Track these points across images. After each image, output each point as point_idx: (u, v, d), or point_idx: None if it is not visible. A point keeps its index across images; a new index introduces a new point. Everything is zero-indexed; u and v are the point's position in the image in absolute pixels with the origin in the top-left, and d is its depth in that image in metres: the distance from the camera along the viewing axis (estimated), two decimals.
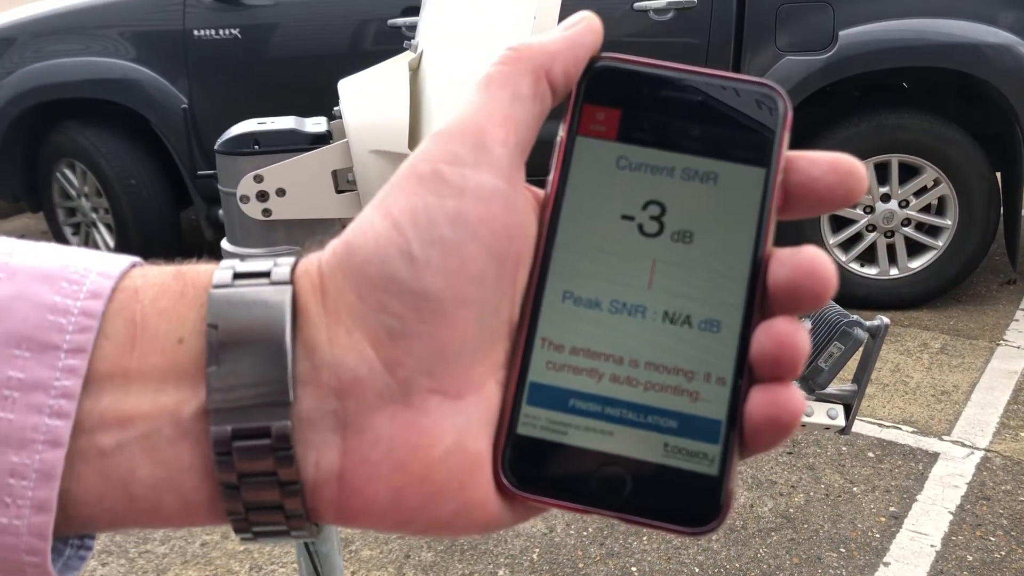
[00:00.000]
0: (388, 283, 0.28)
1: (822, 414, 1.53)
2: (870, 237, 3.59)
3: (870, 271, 3.63)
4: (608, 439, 0.30)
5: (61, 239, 4.34)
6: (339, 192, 1.11)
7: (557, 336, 0.31)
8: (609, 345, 0.30)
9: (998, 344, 3.36)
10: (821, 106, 3.52)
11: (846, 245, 3.62)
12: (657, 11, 3.42)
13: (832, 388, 1.54)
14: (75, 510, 0.28)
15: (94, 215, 4.19)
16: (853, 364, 1.56)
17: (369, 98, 1.07)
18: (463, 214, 0.29)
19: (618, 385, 0.30)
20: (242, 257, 0.32)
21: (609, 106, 0.32)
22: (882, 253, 3.60)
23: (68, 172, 4.15)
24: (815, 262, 0.29)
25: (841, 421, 1.53)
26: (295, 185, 1.11)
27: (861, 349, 1.51)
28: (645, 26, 3.45)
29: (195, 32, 3.80)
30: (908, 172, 3.49)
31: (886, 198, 3.53)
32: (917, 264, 3.59)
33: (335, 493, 0.29)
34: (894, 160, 3.46)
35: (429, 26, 1.30)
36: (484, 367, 0.30)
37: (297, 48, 3.75)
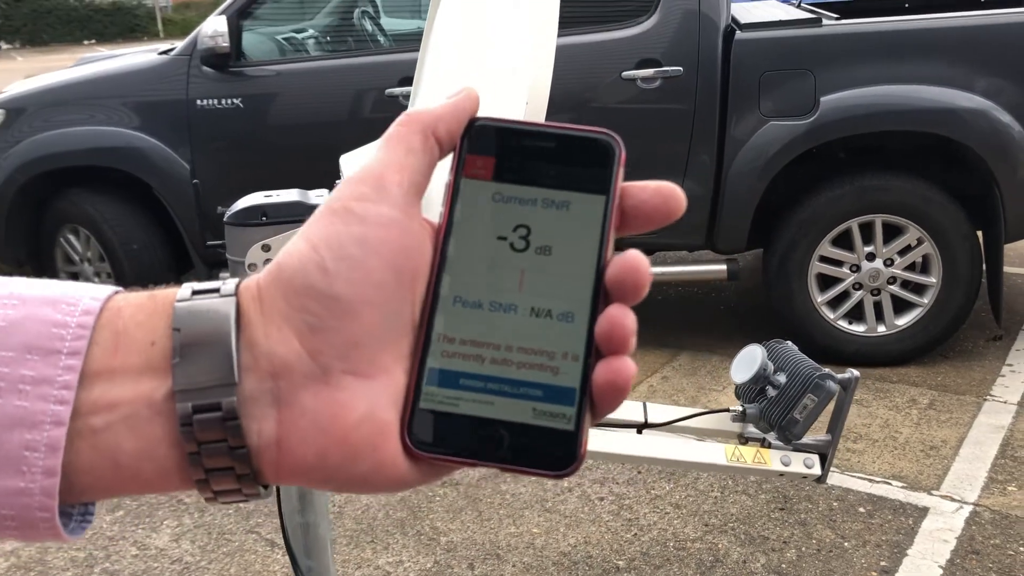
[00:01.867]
0: (308, 290, 0.37)
1: (799, 463, 1.59)
2: (857, 295, 3.67)
3: (858, 328, 3.71)
4: (490, 407, 0.39)
5: None
6: None
7: (449, 331, 0.39)
8: (489, 336, 0.39)
9: (985, 399, 3.42)
10: (806, 168, 3.64)
11: (834, 303, 3.70)
12: (644, 79, 3.55)
13: (808, 439, 1.60)
14: (75, 478, 0.37)
15: (96, 280, 4.26)
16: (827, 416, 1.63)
17: None
18: (366, 237, 0.38)
19: (496, 366, 0.39)
20: None
21: (485, 154, 0.42)
22: (869, 311, 3.68)
23: (72, 237, 4.24)
24: (634, 261, 0.38)
25: (817, 470, 1.59)
26: None
27: (834, 400, 1.58)
28: (633, 94, 3.58)
29: (198, 101, 3.92)
30: (892, 232, 3.58)
31: (871, 257, 3.62)
32: (904, 321, 3.66)
33: (274, 455, 0.38)
34: (878, 220, 3.56)
35: (423, 100, 1.39)
36: (391, 355, 0.38)
37: (297, 116, 3.87)
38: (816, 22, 3.48)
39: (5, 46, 27.40)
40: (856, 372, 1.59)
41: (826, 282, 3.70)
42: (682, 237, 3.78)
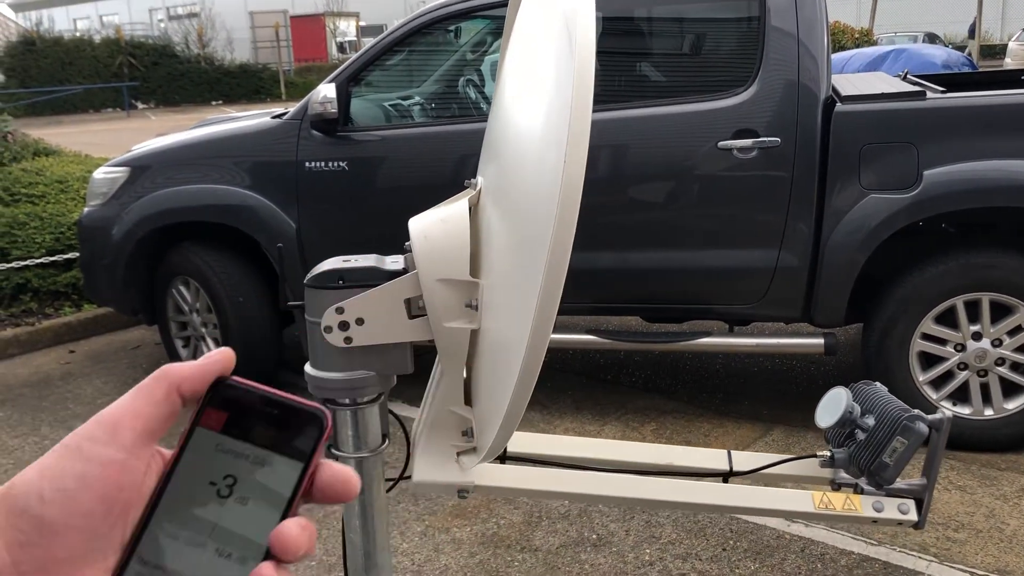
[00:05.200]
0: (23, 512, 0.45)
1: (893, 509, 1.52)
2: (962, 376, 3.52)
3: (963, 410, 3.55)
4: None
5: (172, 351, 4.61)
6: (412, 318, 1.22)
7: (147, 555, 0.46)
8: (176, 564, 0.46)
9: None
10: (908, 243, 3.54)
11: (937, 383, 3.56)
12: (741, 149, 3.53)
13: (901, 483, 1.54)
14: None
15: (203, 329, 4.45)
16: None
17: (435, 233, 1.19)
18: (85, 473, 0.46)
19: None
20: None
21: (220, 410, 0.50)
22: (975, 393, 3.52)
23: (183, 288, 4.45)
24: (290, 539, 0.46)
25: (913, 516, 1.52)
26: (372, 314, 1.22)
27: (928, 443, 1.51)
28: (729, 163, 3.56)
29: (306, 163, 4.10)
30: (1001, 311, 3.44)
31: (978, 337, 3.47)
32: (1014, 405, 3.49)
33: None
34: (985, 298, 3.42)
35: (482, 169, 1.43)
36: (96, 570, 0.46)
37: (399, 180, 3.99)
38: (920, 95, 3.42)
39: (141, 106, 29.18)
40: (948, 412, 1.53)
41: (929, 361, 3.56)
42: (779, 309, 3.71)
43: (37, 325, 5.65)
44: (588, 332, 3.94)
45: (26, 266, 5.87)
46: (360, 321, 1.22)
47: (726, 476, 1.68)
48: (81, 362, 5.25)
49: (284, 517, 0.47)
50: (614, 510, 3.23)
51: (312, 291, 1.25)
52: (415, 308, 1.22)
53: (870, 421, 1.58)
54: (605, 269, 3.79)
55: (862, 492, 1.63)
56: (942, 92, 3.57)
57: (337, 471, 0.50)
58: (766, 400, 4.20)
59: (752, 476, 1.70)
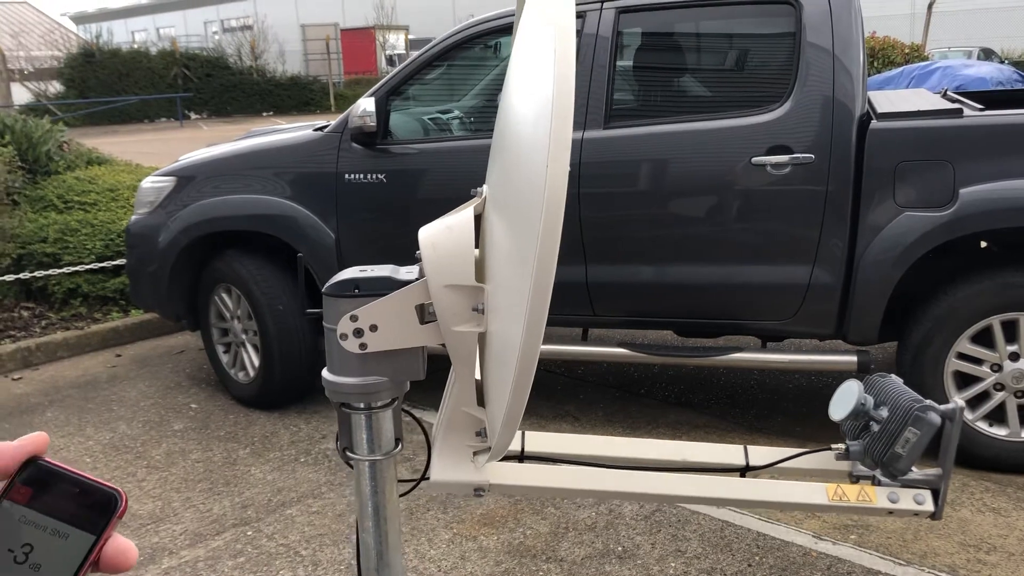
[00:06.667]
0: None
1: (909, 500, 1.53)
2: (999, 396, 3.48)
3: (1000, 432, 3.50)
4: None
5: (213, 357, 4.72)
6: (423, 323, 1.27)
7: None
8: None
9: None
10: (944, 262, 3.51)
11: (973, 403, 3.52)
12: (775, 165, 3.54)
13: (917, 473, 1.54)
14: None
15: (243, 336, 4.55)
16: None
17: (441, 241, 1.24)
18: None
19: None
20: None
21: (28, 485, 0.55)
22: (1012, 414, 3.47)
23: (225, 296, 4.56)
24: None
25: (929, 506, 1.53)
26: (385, 321, 1.27)
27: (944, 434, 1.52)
28: (764, 179, 3.57)
29: (346, 175, 4.19)
30: None
31: (1015, 357, 3.43)
32: None
33: None
34: (1022, 318, 3.38)
35: (488, 176, 1.48)
36: None
37: (436, 192, 4.06)
38: (956, 113, 3.39)
39: (194, 116, 29.79)
40: (961, 402, 1.53)
41: (964, 380, 3.53)
42: (812, 326, 3.70)
43: (86, 329, 5.81)
44: (621, 345, 3.96)
45: (76, 271, 6.05)
46: (374, 328, 1.27)
47: (743, 471, 1.70)
48: (127, 366, 5.39)
49: None
50: (640, 523, 3.24)
51: (329, 299, 1.31)
52: (426, 314, 1.27)
53: (883, 413, 1.59)
54: (638, 282, 3.81)
55: (879, 484, 1.63)
56: (980, 110, 3.54)
57: (120, 543, 0.56)
58: (799, 417, 4.17)
59: (771, 472, 1.71)
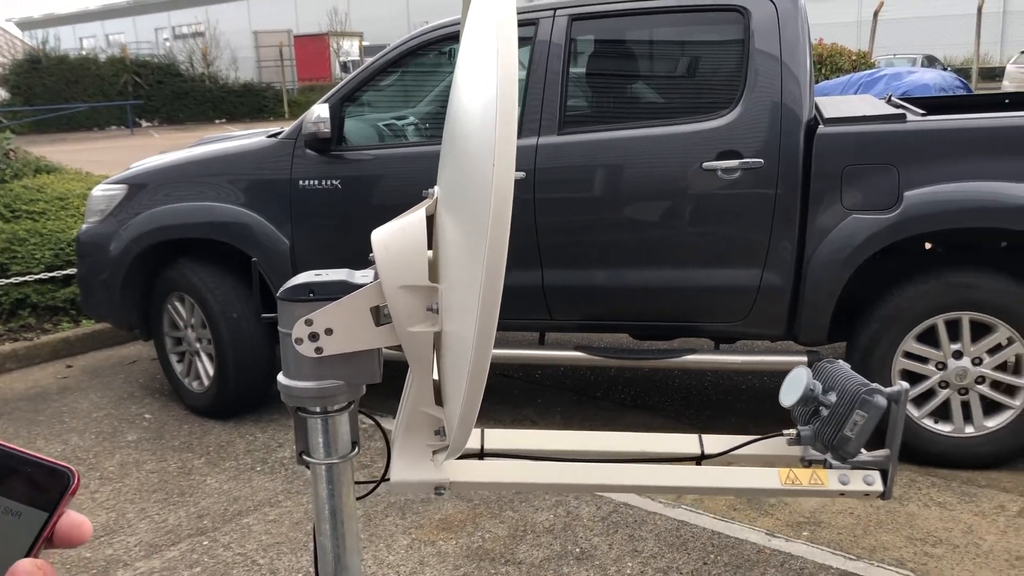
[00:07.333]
0: None
1: (859, 481, 1.57)
2: (943, 394, 3.57)
3: (944, 428, 3.59)
4: None
5: (167, 365, 4.67)
6: (379, 325, 1.28)
7: None
8: None
9: None
10: (890, 263, 3.60)
11: (919, 401, 3.61)
12: (725, 170, 3.60)
13: (866, 456, 1.59)
14: None
15: (197, 345, 4.51)
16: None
17: (394, 242, 1.26)
18: None
19: None
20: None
21: None
22: (956, 411, 3.57)
23: (178, 304, 4.51)
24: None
25: (879, 486, 1.57)
26: (340, 324, 1.28)
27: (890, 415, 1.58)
28: (715, 183, 3.63)
29: (300, 182, 4.17)
30: (981, 330, 3.49)
31: (959, 355, 3.52)
32: (994, 423, 3.54)
33: None
34: (965, 317, 3.48)
35: (439, 177, 1.50)
36: None
37: (391, 198, 4.06)
38: (900, 118, 3.48)
39: (145, 124, 29.38)
40: (906, 384, 1.59)
41: (911, 379, 3.61)
42: (763, 327, 3.76)
43: (35, 340, 5.71)
44: (578, 348, 3.99)
45: (25, 281, 5.94)
46: (329, 331, 1.28)
47: (699, 459, 1.73)
48: (78, 377, 5.31)
49: (28, 553, 0.55)
50: (598, 523, 3.28)
51: (284, 304, 1.31)
52: (381, 316, 1.28)
53: (832, 397, 1.63)
54: (594, 287, 3.85)
55: (830, 467, 1.68)
56: (922, 115, 3.63)
57: (73, 518, 0.57)
58: (753, 417, 4.24)
59: (727, 459, 1.75)
